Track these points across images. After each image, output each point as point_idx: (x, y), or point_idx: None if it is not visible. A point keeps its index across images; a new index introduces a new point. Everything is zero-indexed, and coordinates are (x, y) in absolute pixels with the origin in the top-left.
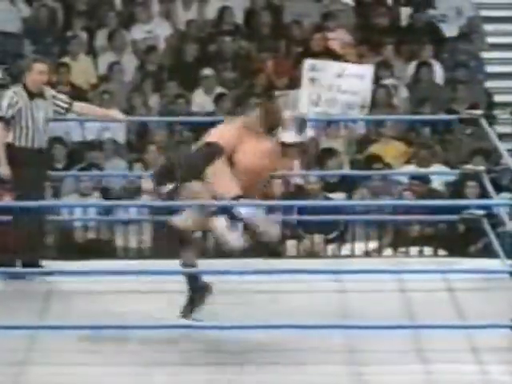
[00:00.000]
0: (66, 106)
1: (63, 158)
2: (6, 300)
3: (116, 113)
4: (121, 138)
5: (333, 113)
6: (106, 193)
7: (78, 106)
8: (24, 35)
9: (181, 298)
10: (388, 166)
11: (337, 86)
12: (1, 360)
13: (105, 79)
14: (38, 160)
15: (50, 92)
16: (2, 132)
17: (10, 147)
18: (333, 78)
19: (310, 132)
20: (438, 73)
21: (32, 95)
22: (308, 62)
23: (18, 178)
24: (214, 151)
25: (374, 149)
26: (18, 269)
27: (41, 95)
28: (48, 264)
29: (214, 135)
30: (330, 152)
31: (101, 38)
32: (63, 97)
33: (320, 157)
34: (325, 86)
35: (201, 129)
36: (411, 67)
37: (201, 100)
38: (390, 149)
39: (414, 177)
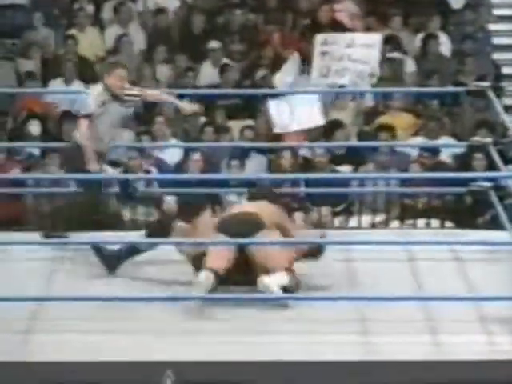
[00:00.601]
0: (137, 99)
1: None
2: None
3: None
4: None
5: (342, 83)
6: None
7: (150, 94)
8: (32, 8)
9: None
10: (395, 137)
11: (347, 56)
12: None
13: (112, 52)
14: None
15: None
16: (87, 129)
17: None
18: (343, 48)
19: (317, 105)
20: (446, 45)
21: (111, 97)
22: (319, 37)
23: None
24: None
25: (382, 120)
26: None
27: (117, 98)
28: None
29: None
30: (337, 124)
31: (107, 10)
32: (134, 91)
33: (327, 129)
34: (335, 58)
35: (208, 102)
36: (418, 39)
37: (208, 72)
38: (398, 120)
39: (422, 149)
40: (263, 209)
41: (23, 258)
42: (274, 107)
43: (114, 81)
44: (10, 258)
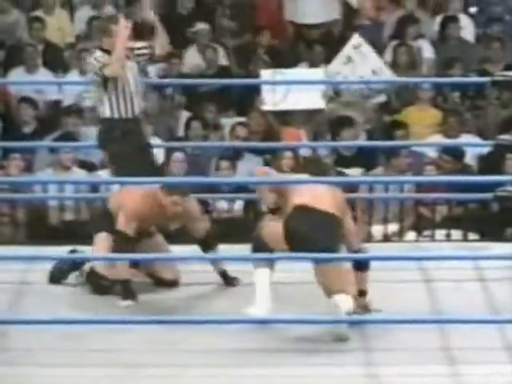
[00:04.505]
0: (148, 52)
1: (32, 122)
2: None
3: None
4: None
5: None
6: (85, 167)
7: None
8: None
9: None
10: (410, 135)
11: (370, 76)
12: None
13: (84, 37)
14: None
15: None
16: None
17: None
18: (368, 72)
19: (320, 97)
20: (468, 29)
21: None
22: (356, 38)
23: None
24: None
25: (398, 116)
26: None
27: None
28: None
29: None
30: (345, 121)
31: None
32: (141, 44)
33: (334, 126)
34: (356, 71)
35: (194, 93)
36: (437, 22)
37: (193, 59)
38: (424, 115)
39: (441, 149)
40: (336, 199)
41: None
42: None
43: (115, 40)
44: None
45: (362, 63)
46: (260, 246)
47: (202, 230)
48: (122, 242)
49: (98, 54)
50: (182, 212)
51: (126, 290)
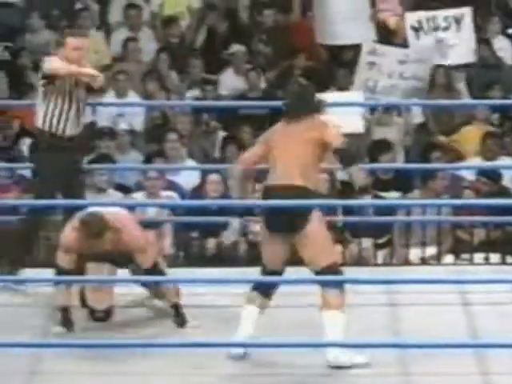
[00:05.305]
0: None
1: None
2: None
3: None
4: (138, 126)
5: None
6: (121, 189)
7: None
8: (28, 7)
9: None
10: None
11: (399, 73)
12: None
13: (119, 59)
14: (68, 149)
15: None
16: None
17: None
18: (395, 64)
19: (360, 120)
20: (507, 51)
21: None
22: (367, 45)
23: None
24: None
25: (456, 135)
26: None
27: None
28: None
29: None
30: (383, 144)
31: (115, 10)
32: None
33: (372, 149)
34: (384, 73)
35: (230, 117)
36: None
37: (231, 81)
38: (476, 134)
39: (479, 172)
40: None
41: None
42: None
43: (68, 53)
44: None
45: (384, 61)
46: None
47: (149, 262)
48: (57, 275)
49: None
50: (118, 241)
51: (64, 317)
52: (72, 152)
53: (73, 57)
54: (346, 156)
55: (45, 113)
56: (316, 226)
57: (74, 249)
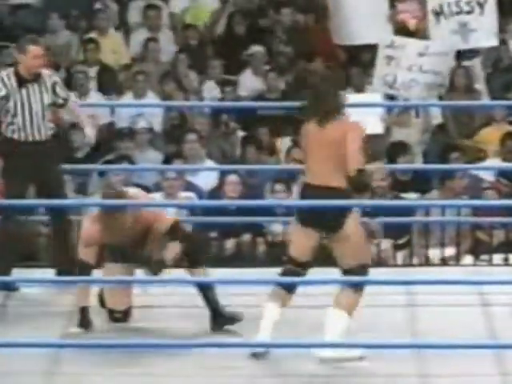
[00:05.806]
0: (61, 101)
1: (85, 147)
2: None
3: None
4: (157, 126)
5: (409, 96)
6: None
7: (71, 106)
8: (46, 8)
9: None
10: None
11: (418, 66)
12: None
13: (139, 59)
14: (33, 153)
15: (51, 78)
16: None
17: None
18: (414, 57)
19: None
20: None
21: (23, 81)
22: (384, 40)
23: (6, 173)
24: None
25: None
26: None
27: (35, 81)
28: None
29: None
30: (401, 146)
31: (134, 11)
32: (62, 91)
33: (390, 151)
34: (403, 67)
35: (249, 118)
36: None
37: (250, 82)
38: (496, 135)
39: (499, 172)
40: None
41: None
42: None
43: (28, 61)
44: None
45: (403, 54)
46: None
47: (167, 224)
48: (80, 269)
49: (4, 74)
50: (138, 219)
51: (82, 318)
52: (39, 156)
53: (33, 65)
54: (359, 185)
55: (7, 119)
56: (353, 226)
57: (95, 241)
